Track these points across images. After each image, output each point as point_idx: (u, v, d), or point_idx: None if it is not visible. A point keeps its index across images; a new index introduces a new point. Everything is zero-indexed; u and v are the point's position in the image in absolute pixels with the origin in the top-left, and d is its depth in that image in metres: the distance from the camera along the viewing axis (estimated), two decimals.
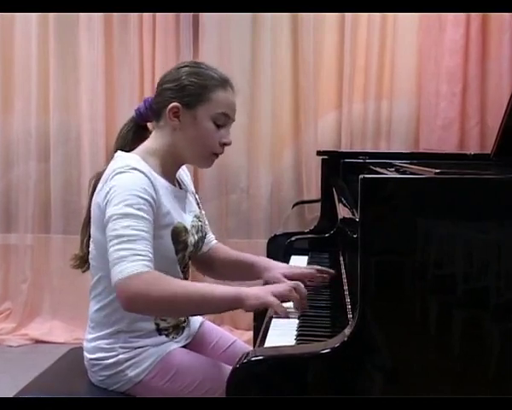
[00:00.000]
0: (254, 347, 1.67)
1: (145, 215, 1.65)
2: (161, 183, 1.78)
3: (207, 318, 2.15)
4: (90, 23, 4.03)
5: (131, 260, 1.59)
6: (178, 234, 1.80)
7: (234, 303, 1.66)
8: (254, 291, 1.67)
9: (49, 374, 1.98)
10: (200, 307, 1.70)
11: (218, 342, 2.06)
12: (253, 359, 1.30)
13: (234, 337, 2.12)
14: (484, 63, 3.74)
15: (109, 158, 1.85)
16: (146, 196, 1.67)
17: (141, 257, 1.60)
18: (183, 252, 1.84)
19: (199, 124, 1.80)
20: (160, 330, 1.84)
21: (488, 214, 1.26)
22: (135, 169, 1.70)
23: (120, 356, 1.78)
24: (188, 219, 1.88)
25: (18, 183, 4.21)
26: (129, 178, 1.68)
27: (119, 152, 1.82)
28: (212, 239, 2.11)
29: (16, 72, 4.15)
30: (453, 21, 3.70)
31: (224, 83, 1.82)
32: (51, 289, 4.26)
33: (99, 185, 1.76)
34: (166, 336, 1.85)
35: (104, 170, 1.80)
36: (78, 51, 4.08)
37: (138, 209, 1.64)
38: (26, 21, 4.07)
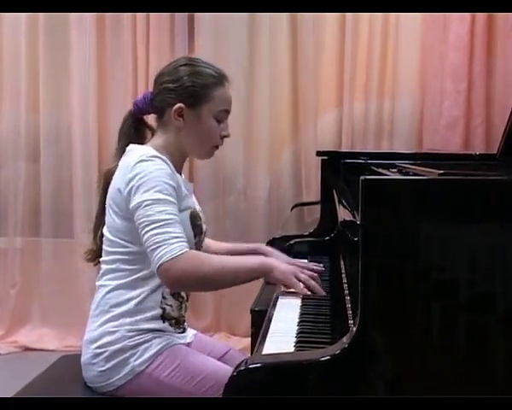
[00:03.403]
0: (252, 354, 1.68)
1: (174, 200, 1.83)
2: (175, 173, 1.92)
3: (198, 329, 2.18)
4: (81, 20, 4.03)
5: (171, 242, 1.76)
6: (196, 217, 1.98)
7: (263, 273, 1.89)
8: (281, 267, 1.89)
9: (39, 382, 1.99)
10: (237, 277, 1.89)
11: (213, 352, 2.12)
12: (251, 366, 1.30)
13: (228, 347, 2.23)
14: (489, 60, 3.75)
15: (118, 154, 1.99)
16: (171, 183, 1.84)
17: (179, 239, 1.78)
18: (199, 237, 2.01)
19: (203, 122, 1.97)
20: (164, 318, 1.94)
21: (494, 217, 1.26)
22: (155, 157, 1.85)
23: (125, 342, 1.87)
24: (197, 208, 2.04)
25: (7, 184, 4.21)
26: (153, 166, 1.84)
27: (131, 145, 1.96)
28: None
29: (5, 69, 4.15)
30: (458, 17, 3.70)
31: (222, 79, 1.99)
32: (41, 295, 4.26)
33: (117, 173, 1.90)
34: (170, 325, 1.96)
35: (113, 167, 1.95)
36: (69, 48, 4.08)
37: (168, 195, 1.82)
38: (15, 17, 4.06)
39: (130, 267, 1.89)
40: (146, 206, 1.79)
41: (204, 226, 2.04)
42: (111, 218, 1.91)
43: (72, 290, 4.10)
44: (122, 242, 1.89)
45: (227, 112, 2.00)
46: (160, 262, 1.75)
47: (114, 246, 1.91)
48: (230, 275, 1.87)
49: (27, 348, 4.12)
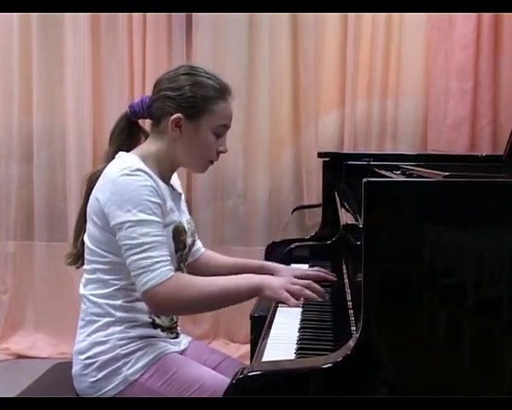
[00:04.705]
0: (252, 361, 1.68)
1: (158, 219, 1.81)
2: (160, 184, 1.90)
3: (196, 336, 2.18)
4: (75, 19, 4.01)
5: (154, 268, 1.75)
6: (180, 233, 1.95)
7: (255, 292, 1.86)
8: (272, 283, 1.85)
9: (32, 391, 1.98)
10: (226, 300, 1.88)
11: (209, 360, 2.11)
12: (250, 374, 1.30)
13: (225, 355, 2.22)
14: (496, 58, 3.74)
15: (107, 158, 1.96)
16: (155, 200, 1.82)
17: (163, 263, 1.77)
18: (182, 252, 1.98)
19: (200, 135, 1.94)
20: (155, 325, 1.94)
21: (500, 220, 1.27)
22: (140, 170, 1.82)
23: (118, 351, 1.86)
24: (184, 221, 2.01)
25: None
26: (136, 182, 1.80)
27: (120, 153, 1.93)
28: (201, 246, 2.26)
29: None
30: (464, 14, 3.69)
31: (225, 93, 1.96)
32: (34, 300, 4.25)
33: (100, 181, 1.87)
34: (162, 331, 1.96)
35: (99, 170, 1.93)
36: (63, 48, 4.07)
37: (152, 214, 1.79)
38: (8, 17, 4.05)
39: (110, 277, 1.88)
40: (129, 227, 1.77)
41: (188, 240, 2.01)
42: (90, 226, 1.89)
43: (67, 295, 4.08)
44: (100, 251, 1.87)
45: (226, 127, 1.98)
46: (144, 289, 1.76)
47: (93, 255, 1.90)
48: (217, 299, 1.85)
49: (20, 356, 4.11)
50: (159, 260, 1.76)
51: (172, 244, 1.91)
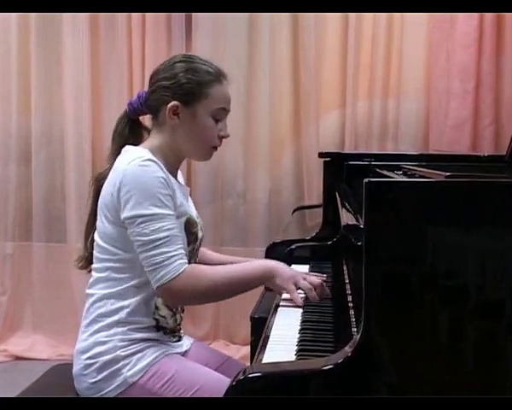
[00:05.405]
0: (252, 362, 1.67)
1: (170, 212, 1.82)
2: (170, 176, 1.90)
3: (196, 337, 2.18)
4: (74, 19, 4.01)
5: (168, 263, 1.78)
6: (192, 225, 1.96)
7: (267, 278, 1.93)
8: (282, 273, 1.92)
9: (30, 393, 1.98)
10: (241, 287, 1.91)
11: (211, 361, 2.12)
12: (251, 375, 1.30)
13: (226, 355, 2.25)
14: (498, 58, 3.73)
15: (112, 157, 1.97)
16: (166, 191, 1.83)
17: (176, 257, 1.79)
18: (194, 244, 1.99)
19: (199, 120, 1.94)
20: (158, 327, 1.94)
21: (502, 221, 1.26)
22: (150, 160, 1.83)
23: (118, 352, 1.86)
24: (193, 215, 2.02)
25: None
26: (147, 173, 1.81)
27: (127, 146, 1.94)
28: None
29: None
30: (465, 14, 3.69)
31: (220, 76, 1.96)
32: (33, 302, 4.25)
33: (110, 176, 1.88)
34: (164, 333, 1.96)
35: (106, 170, 1.95)
36: (62, 48, 4.07)
37: (163, 207, 1.81)
38: (6, 17, 4.05)
39: (122, 276, 1.88)
40: (141, 223, 1.78)
41: (200, 233, 2.02)
42: (102, 223, 1.89)
43: (66, 296, 4.09)
44: (112, 249, 1.87)
45: (225, 110, 1.98)
46: (158, 284, 1.78)
47: (105, 253, 1.90)
48: (233, 286, 1.89)
49: (18, 358, 4.11)
50: (172, 254, 1.78)
51: (185, 237, 1.92)
